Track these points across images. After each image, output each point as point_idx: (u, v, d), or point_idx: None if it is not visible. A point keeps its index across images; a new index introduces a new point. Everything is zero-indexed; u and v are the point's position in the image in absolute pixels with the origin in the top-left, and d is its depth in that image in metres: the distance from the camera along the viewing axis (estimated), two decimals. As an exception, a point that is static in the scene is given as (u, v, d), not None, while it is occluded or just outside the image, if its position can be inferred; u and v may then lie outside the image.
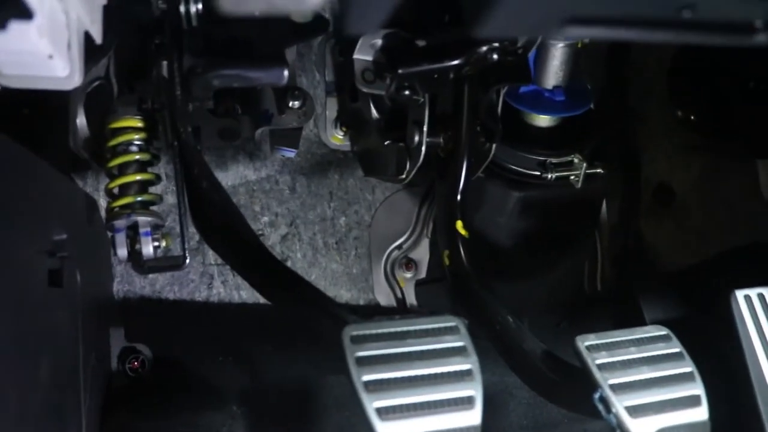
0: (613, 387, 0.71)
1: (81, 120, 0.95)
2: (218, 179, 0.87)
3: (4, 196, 0.67)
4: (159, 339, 1.09)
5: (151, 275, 1.16)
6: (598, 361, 0.72)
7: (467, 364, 0.69)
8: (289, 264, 1.26)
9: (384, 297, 1.34)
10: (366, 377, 0.66)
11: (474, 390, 0.67)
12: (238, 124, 1.08)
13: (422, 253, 1.35)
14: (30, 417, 0.68)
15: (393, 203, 1.36)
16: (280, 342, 1.17)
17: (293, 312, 1.09)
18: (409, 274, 1.35)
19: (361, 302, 1.33)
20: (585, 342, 0.74)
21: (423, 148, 0.98)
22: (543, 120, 1.12)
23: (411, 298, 1.34)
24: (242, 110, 0.99)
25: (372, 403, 0.65)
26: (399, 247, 1.35)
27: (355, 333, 0.70)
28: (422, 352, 0.69)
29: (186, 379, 1.06)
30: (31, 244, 0.72)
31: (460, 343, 0.70)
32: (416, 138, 0.99)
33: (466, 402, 0.67)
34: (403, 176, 1.03)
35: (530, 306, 1.24)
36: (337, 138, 1.30)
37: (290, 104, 1.01)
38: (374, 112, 1.11)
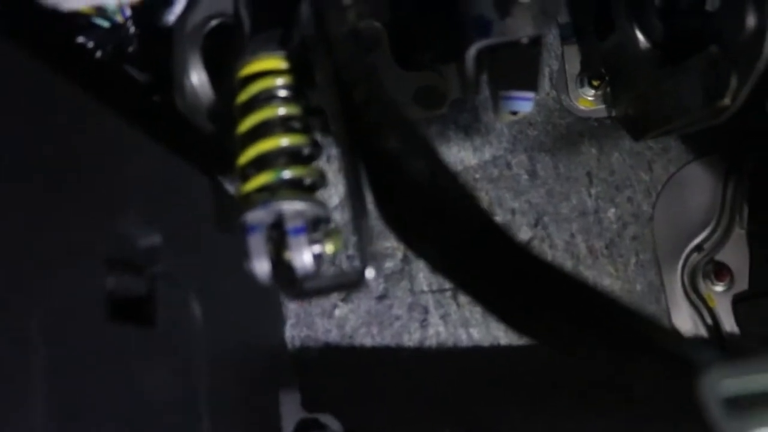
0: None
1: (198, 74, 0.62)
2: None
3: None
4: (353, 407, 0.72)
5: (338, 313, 0.80)
6: None
7: None
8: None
9: (686, 323, 0.88)
10: None
11: None
12: (443, 80, 0.72)
13: (736, 253, 0.89)
14: None
15: (682, 182, 0.91)
16: (539, 405, 0.75)
17: (571, 357, 0.68)
18: (720, 287, 0.89)
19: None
20: None
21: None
22: None
23: (728, 323, 0.88)
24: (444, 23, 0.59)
25: None
26: (699, 247, 0.90)
27: (730, 387, 0.28)
28: None
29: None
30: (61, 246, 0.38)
31: None
32: (751, 19, 0.54)
33: None
34: (726, 101, 0.59)
35: None
36: (586, 100, 0.92)
37: (518, -1, 0.57)
38: (642, 41, 0.75)
